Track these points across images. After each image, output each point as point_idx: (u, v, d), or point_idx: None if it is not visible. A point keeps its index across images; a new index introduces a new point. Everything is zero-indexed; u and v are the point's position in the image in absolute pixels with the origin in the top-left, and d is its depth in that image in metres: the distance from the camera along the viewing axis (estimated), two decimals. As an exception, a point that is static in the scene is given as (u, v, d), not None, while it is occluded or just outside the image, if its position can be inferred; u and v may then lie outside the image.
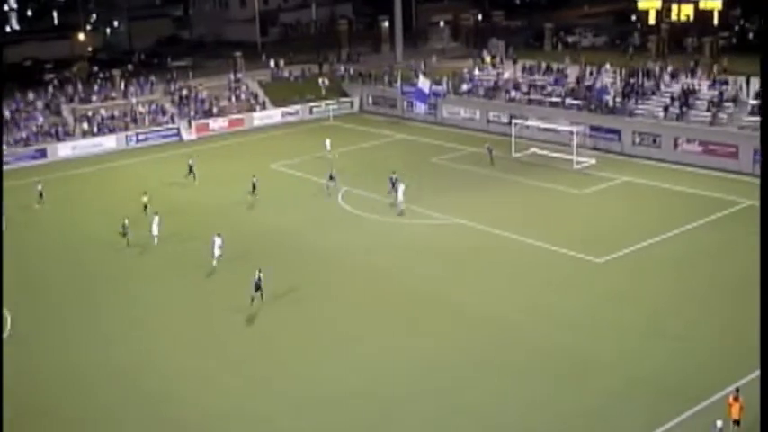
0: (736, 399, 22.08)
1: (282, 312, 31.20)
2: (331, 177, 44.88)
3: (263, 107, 67.50)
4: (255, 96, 68.41)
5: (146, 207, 42.14)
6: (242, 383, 26.20)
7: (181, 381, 26.51)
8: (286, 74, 73.70)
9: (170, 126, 62.86)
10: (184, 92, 66.30)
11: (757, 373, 23.82)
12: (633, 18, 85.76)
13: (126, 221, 38.97)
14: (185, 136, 62.53)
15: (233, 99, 67.36)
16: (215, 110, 65.42)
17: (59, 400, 25.88)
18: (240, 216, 42.97)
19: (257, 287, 31.03)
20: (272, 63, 74.93)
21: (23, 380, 26.63)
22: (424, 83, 59.62)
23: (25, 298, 33.19)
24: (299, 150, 55.04)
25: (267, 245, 38.42)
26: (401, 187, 41.46)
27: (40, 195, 45.86)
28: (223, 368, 27.23)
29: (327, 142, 53.26)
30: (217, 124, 64.33)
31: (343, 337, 29.04)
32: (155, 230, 38.42)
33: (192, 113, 64.28)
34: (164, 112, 64.02)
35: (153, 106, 64.02)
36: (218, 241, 35.35)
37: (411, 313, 30.60)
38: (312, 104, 68.15)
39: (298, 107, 67.74)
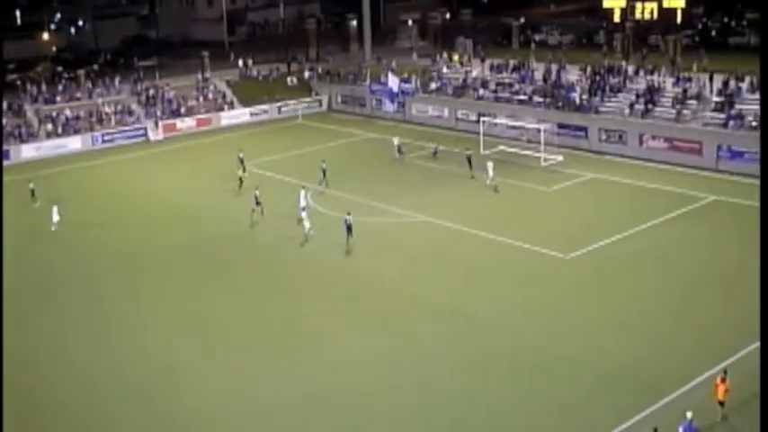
0: (723, 380, 22.52)
1: (253, 311, 31.15)
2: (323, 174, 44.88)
3: (232, 107, 67.20)
4: (223, 96, 68.09)
5: (241, 181, 45.47)
6: (221, 381, 26.27)
7: (169, 376, 26.61)
8: (254, 73, 73.47)
9: (137, 126, 62.35)
10: (151, 92, 65.78)
11: (722, 365, 24.35)
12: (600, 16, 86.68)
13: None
14: (152, 136, 62.06)
15: (201, 99, 66.98)
16: (182, 110, 65.00)
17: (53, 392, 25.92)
18: (208, 216, 42.75)
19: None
20: (240, 62, 74.66)
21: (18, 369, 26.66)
22: (392, 81, 59.73)
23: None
24: (268, 150, 54.86)
25: (235, 244, 38.30)
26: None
27: (32, 194, 45.23)
28: (205, 365, 27.33)
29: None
30: (184, 124, 63.92)
31: (315, 335, 29.00)
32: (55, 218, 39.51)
33: (159, 113, 63.81)
34: (130, 113, 63.48)
35: (119, 106, 63.46)
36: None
37: (379, 311, 30.67)
38: (280, 104, 68.00)
39: (266, 106, 67.53)
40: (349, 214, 37.03)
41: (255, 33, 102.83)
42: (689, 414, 21.18)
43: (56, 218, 40.49)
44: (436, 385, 25.32)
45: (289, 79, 71.80)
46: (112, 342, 29.15)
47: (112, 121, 62.09)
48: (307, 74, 72.98)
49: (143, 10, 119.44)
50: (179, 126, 63.53)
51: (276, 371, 26.67)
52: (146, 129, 62.31)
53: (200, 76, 69.71)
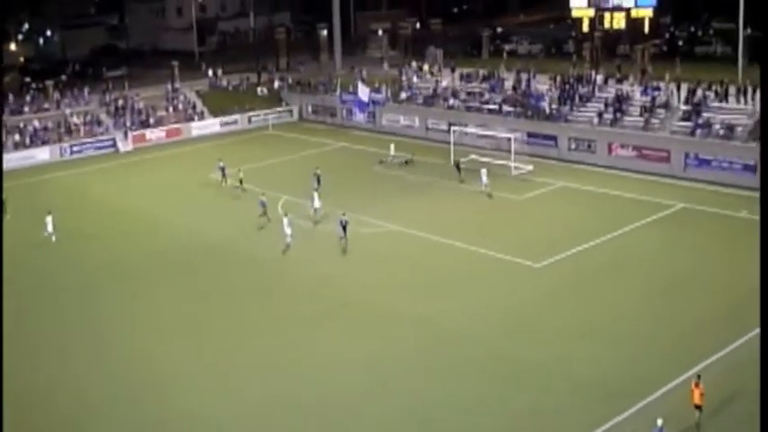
0: (697, 385, 22.71)
1: (229, 318, 30.96)
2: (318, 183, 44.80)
3: (202, 117, 66.81)
4: (194, 106, 67.68)
5: (241, 182, 46.47)
6: (207, 385, 26.35)
7: (156, 380, 26.72)
8: (224, 83, 73.14)
9: (106, 137, 61.75)
10: (120, 102, 65.23)
11: (693, 370, 24.53)
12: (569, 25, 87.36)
13: None
14: (122, 147, 61.49)
15: (170, 109, 66.50)
16: (152, 120, 64.50)
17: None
18: (178, 226, 42.38)
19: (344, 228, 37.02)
20: (210, 72, 74.28)
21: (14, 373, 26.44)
22: (363, 90, 59.77)
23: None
24: (239, 160, 54.43)
25: (206, 254, 38.06)
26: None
27: (2, 205, 44.48)
28: (191, 370, 27.32)
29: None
30: (154, 135, 63.41)
31: (291, 343, 28.83)
32: (49, 228, 39.35)
33: (129, 124, 63.27)
34: (99, 123, 62.88)
35: (88, 117, 62.82)
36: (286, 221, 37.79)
37: (354, 320, 30.57)
38: (251, 114, 67.72)
39: (236, 117, 67.22)
40: (344, 215, 37.78)
41: (226, 43, 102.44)
42: (659, 421, 21.30)
43: (50, 228, 39.80)
44: (410, 393, 25.24)
45: (259, 89, 71.56)
46: (87, 358, 28.75)
47: (81, 132, 61.45)
48: (277, 84, 72.82)
49: (112, 20, 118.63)
50: (148, 137, 63.01)
51: (252, 378, 26.51)
52: (115, 140, 61.72)
53: (169, 86, 69.23)
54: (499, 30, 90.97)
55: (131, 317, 31.91)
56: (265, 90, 71.54)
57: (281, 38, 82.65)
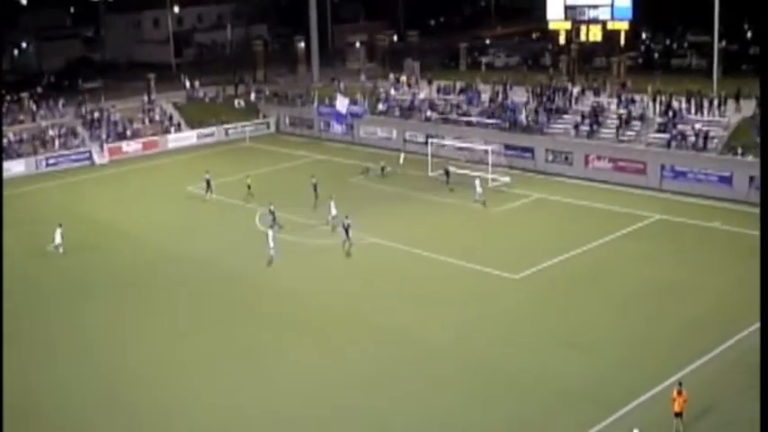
0: (679, 392, 22.80)
1: (200, 333, 30.61)
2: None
3: (179, 129, 66.42)
4: (170, 118, 67.27)
5: (249, 187, 47.52)
6: (180, 395, 26.17)
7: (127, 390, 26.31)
8: (201, 95, 72.81)
9: (82, 149, 61.21)
10: (96, 114, 64.72)
11: (672, 378, 24.56)
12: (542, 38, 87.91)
13: None
14: (98, 159, 60.97)
15: (147, 121, 66.06)
16: (128, 132, 64.03)
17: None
18: (156, 240, 42.01)
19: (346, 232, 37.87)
20: (187, 84, 73.93)
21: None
22: (341, 102, 59.72)
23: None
24: (217, 173, 54.08)
25: (183, 268, 37.73)
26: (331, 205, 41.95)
27: None
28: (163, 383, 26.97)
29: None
30: (131, 147, 62.93)
31: (259, 356, 28.60)
32: (58, 240, 39.47)
33: (105, 136, 62.76)
34: (75, 135, 62.32)
35: (63, 129, 62.24)
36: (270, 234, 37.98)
37: (331, 333, 30.38)
38: (228, 126, 67.43)
39: (213, 129, 66.91)
40: (347, 217, 38.71)
41: (203, 55, 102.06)
42: (635, 431, 21.33)
43: (58, 239, 39.78)
44: (391, 407, 25.10)
45: (236, 101, 71.29)
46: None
47: (56, 145, 60.86)
48: (254, 96, 72.61)
49: (88, 32, 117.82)
50: (125, 149, 62.53)
51: (223, 392, 26.25)
52: (91, 152, 61.19)
53: (146, 98, 68.79)
54: (488, 41, 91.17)
55: (113, 330, 31.56)
56: (242, 102, 71.30)
57: (258, 50, 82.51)
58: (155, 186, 53.33)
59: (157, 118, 66.80)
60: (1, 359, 24.32)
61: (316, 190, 46.04)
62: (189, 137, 65.98)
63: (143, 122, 65.66)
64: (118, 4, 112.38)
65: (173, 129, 66.06)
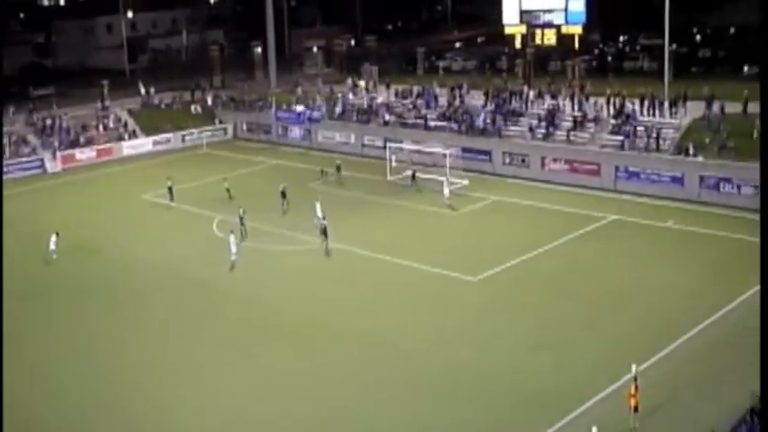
0: (637, 389, 23.22)
1: (160, 343, 30.25)
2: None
3: (134, 136, 65.60)
4: (125, 125, 66.42)
5: (228, 190, 47.71)
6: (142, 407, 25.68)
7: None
8: (157, 101, 72.03)
9: (33, 157, 60.13)
10: (48, 121, 63.67)
11: (631, 374, 24.61)
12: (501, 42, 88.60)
13: None
14: (50, 167, 59.95)
15: (101, 128, 65.11)
16: (82, 140, 63.07)
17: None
18: (116, 248, 41.43)
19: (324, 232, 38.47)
20: (142, 90, 73.08)
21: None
22: (299, 107, 59.70)
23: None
24: (172, 179, 53.60)
25: (145, 277, 37.29)
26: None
27: None
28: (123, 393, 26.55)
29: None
30: (84, 155, 61.97)
31: (225, 364, 28.37)
32: (52, 246, 39.42)
33: (57, 144, 61.74)
34: (26, 143, 61.19)
35: (13, 137, 61.08)
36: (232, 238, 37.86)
37: (291, 339, 30.24)
38: (184, 132, 66.80)
39: (169, 135, 66.18)
40: (324, 219, 39.14)
41: (158, 61, 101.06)
42: (594, 429, 21.56)
43: (52, 246, 39.47)
44: (356, 412, 25.06)
45: (192, 107, 70.64)
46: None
47: (6, 153, 59.67)
48: (211, 101, 72.04)
49: (39, 38, 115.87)
50: (78, 157, 61.57)
51: (191, 401, 26.04)
52: (43, 160, 60.14)
53: (99, 104, 67.87)
54: (432, 46, 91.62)
55: (77, 339, 31.12)
56: (199, 108, 70.66)
57: (214, 55, 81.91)
58: (111, 194, 52.57)
59: (112, 125, 65.91)
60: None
61: (285, 196, 45.71)
62: (144, 144, 65.20)
63: (97, 129, 64.73)
64: (70, 10, 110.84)
65: (127, 136, 65.23)
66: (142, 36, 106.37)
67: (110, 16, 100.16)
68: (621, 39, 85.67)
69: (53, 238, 39.82)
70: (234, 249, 37.54)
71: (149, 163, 61.11)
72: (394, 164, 52.21)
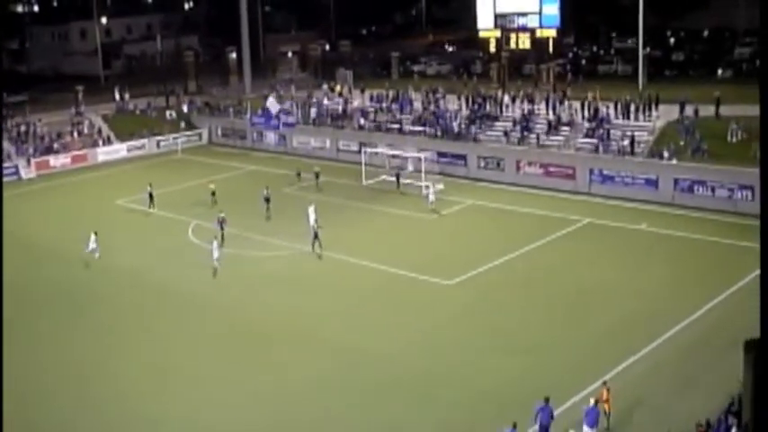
0: (608, 390, 23.38)
1: (133, 349, 30.03)
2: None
3: (108, 142, 65.15)
4: (99, 131, 65.95)
5: (213, 194, 47.42)
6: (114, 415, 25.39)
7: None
8: (131, 107, 71.58)
9: (7, 164, 59.45)
10: (22, 128, 63.07)
11: (605, 377, 24.90)
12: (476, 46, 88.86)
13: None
14: (24, 174, 59.33)
15: (75, 134, 64.62)
16: (56, 146, 62.52)
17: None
18: (90, 254, 41.08)
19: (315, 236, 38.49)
20: (116, 96, 72.59)
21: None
22: (273, 104, 59.44)
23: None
24: (146, 185, 53.30)
25: (118, 282, 36.99)
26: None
27: None
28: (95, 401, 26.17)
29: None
30: (58, 161, 61.43)
31: (196, 370, 28.16)
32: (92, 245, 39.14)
33: (31, 150, 61.17)
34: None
35: (-14, 144, 60.49)
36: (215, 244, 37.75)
37: (263, 344, 30.11)
38: (159, 138, 66.42)
39: (144, 141, 65.81)
40: (316, 221, 39.38)
41: (132, 66, 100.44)
42: (592, 400, 22.25)
43: (93, 245, 39.10)
44: (326, 417, 24.95)
45: (167, 113, 70.28)
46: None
47: (-21, 160, 59.08)
48: (186, 107, 71.71)
49: (12, 44, 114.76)
50: (53, 163, 61.02)
51: (166, 408, 25.77)
52: (17, 167, 59.51)
53: (74, 110, 67.31)
54: (407, 51, 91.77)
55: (61, 345, 30.70)
56: (174, 114, 70.31)
57: (189, 61, 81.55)
58: (86, 201, 52.13)
59: (86, 131, 65.43)
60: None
61: (268, 202, 45.54)
62: (119, 150, 64.74)
63: (71, 136, 64.23)
64: (44, 16, 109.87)
65: (102, 142, 64.78)
66: (116, 42, 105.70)
67: (84, 22, 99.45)
68: (595, 42, 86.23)
69: (92, 237, 39.38)
70: (216, 255, 37.32)
71: (124, 169, 60.68)
72: (384, 169, 52.25)
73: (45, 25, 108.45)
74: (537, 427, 22.66)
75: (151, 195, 48.01)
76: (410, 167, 51.88)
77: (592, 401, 22.27)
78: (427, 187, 46.96)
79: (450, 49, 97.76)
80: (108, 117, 68.49)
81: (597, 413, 22.45)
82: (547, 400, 22.62)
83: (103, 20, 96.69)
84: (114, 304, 34.73)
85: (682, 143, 47.18)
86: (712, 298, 31.88)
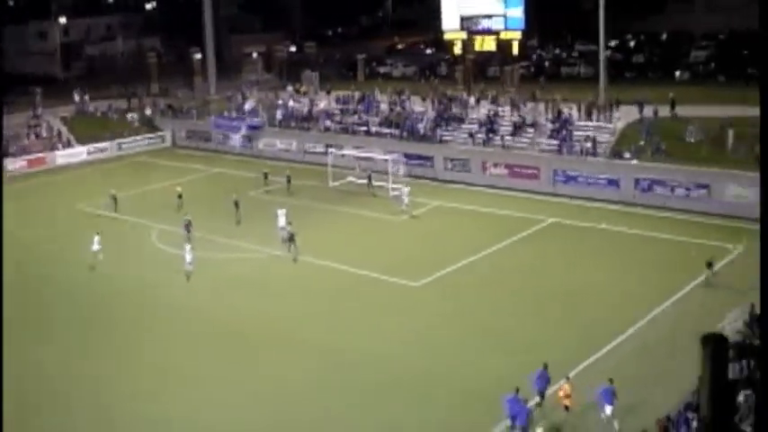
0: (571, 386, 23.66)
1: (100, 355, 29.63)
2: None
3: (68, 145, 64.18)
4: (59, 134, 64.94)
5: (180, 196, 46.51)
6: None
7: None
8: (92, 109, 70.61)
9: (-39, 168, 58.36)
10: (-23, 131, 61.93)
11: (571, 374, 25.08)
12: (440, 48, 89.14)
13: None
14: (-21, 178, 58.21)
15: (33, 137, 63.53)
16: (13, 149, 61.40)
17: None
18: (49, 260, 40.40)
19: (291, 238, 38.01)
20: (76, 98, 71.55)
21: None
22: (249, 104, 59.22)
23: None
24: (108, 189, 52.60)
25: (80, 288, 36.43)
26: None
27: None
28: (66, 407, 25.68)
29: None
30: (15, 165, 60.25)
31: (164, 376, 27.84)
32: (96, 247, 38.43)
33: (-13, 154, 60.10)
34: (-47, 153, 59.45)
35: (-58, 147, 59.29)
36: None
37: (234, 347, 29.86)
38: (121, 140, 65.59)
39: (105, 144, 64.91)
40: (290, 224, 38.89)
41: (93, 68, 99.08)
42: (539, 430, 21.99)
43: (96, 246, 38.29)
44: (301, 419, 24.85)
45: (129, 115, 69.44)
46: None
47: (-67, 163, 57.87)
48: (149, 109, 70.92)
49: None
50: (9, 167, 59.75)
51: (144, 412, 25.49)
52: (-28, 170, 58.40)
53: (32, 112, 66.19)
54: (373, 53, 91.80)
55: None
56: (136, 116, 69.49)
57: (151, 62, 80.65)
58: (45, 205, 51.28)
59: (44, 134, 64.35)
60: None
61: (237, 207, 45.08)
62: (79, 153, 63.81)
63: (28, 138, 63.13)
64: (0, 16, 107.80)
65: (61, 145, 63.80)
66: (76, 42, 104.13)
67: (42, 22, 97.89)
68: (558, 45, 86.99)
69: (96, 238, 38.60)
70: (189, 259, 36.91)
71: (85, 172, 59.83)
72: (352, 171, 52.17)
73: (2, 25, 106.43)
74: (536, 392, 24.04)
75: (115, 199, 47.36)
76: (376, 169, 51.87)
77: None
78: (397, 189, 46.96)
79: (423, 48, 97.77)
80: (68, 119, 67.49)
81: (612, 390, 22.95)
82: (545, 366, 23.85)
83: (62, 20, 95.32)
84: (83, 309, 34.18)
85: (642, 143, 47.78)
86: (672, 294, 32.35)
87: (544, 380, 24.22)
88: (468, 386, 26.25)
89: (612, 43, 75.41)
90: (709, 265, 33.67)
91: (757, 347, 23.26)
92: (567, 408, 23.64)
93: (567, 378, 24.24)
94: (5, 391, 23.52)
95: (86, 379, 28.09)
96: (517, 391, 23.08)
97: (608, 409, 23.12)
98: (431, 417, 24.74)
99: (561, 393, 23.94)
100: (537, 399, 24.25)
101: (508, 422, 22.97)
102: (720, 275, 33.86)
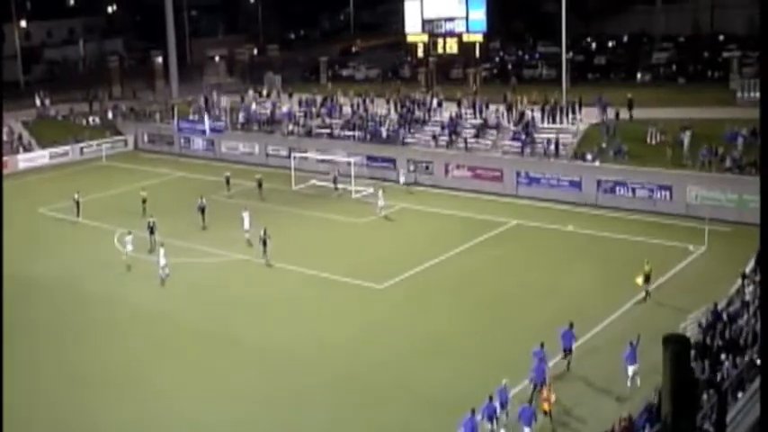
0: (550, 391, 23.87)
1: (61, 359, 29.28)
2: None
3: (29, 148, 63.33)
4: (19, 137, 64.06)
5: (144, 201, 46.33)
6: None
7: None
8: (53, 113, 69.73)
9: None
10: (-65, 135, 60.83)
11: (527, 380, 25.41)
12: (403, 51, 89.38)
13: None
14: (-62, 183, 57.19)
15: (-7, 141, 62.60)
16: (-28, 154, 60.51)
17: None
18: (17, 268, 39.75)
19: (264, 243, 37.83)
20: (37, 101, 70.63)
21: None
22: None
23: None
24: (70, 193, 52.02)
25: (43, 294, 36.02)
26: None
27: None
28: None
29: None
30: (-25, 169, 59.47)
31: (127, 379, 27.67)
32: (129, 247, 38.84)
33: (-55, 158, 59.04)
34: None
35: None
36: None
37: (192, 353, 29.77)
38: (83, 144, 64.88)
39: (67, 147, 64.19)
40: (264, 231, 38.46)
41: (54, 71, 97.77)
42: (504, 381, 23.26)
43: (130, 247, 38.77)
44: (255, 424, 24.83)
45: (91, 118, 68.71)
46: None
47: None
48: (110, 112, 70.22)
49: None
50: (-32, 171, 59.02)
51: (94, 416, 25.19)
52: (-72, 175, 57.37)
53: (-9, 117, 65.20)
54: (335, 56, 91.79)
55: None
56: (97, 119, 68.78)
57: (113, 65, 79.91)
58: (5, 209, 50.37)
59: (5, 138, 63.38)
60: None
61: (203, 212, 44.73)
62: (41, 156, 63.08)
63: (-12, 143, 62.19)
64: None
65: (22, 149, 62.95)
66: (36, 46, 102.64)
67: (1, 24, 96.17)
68: (520, 47, 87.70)
69: (128, 238, 38.72)
70: (163, 263, 36.60)
71: (47, 176, 59.08)
72: (314, 174, 52.18)
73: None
74: (562, 347, 26.61)
75: (78, 204, 46.78)
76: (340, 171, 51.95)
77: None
78: (357, 191, 47.03)
79: (386, 50, 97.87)
80: (28, 123, 66.60)
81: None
82: (571, 324, 26.16)
83: (23, 23, 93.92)
84: (47, 312, 33.78)
85: (604, 145, 48.37)
86: (636, 295, 32.74)
87: (569, 337, 26.75)
88: (416, 390, 26.31)
89: (574, 45, 76.21)
90: (647, 278, 32.33)
91: (718, 348, 23.77)
92: (545, 413, 23.68)
93: (545, 382, 24.39)
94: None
95: (40, 393, 27.78)
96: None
97: (630, 370, 25.19)
98: (384, 421, 24.82)
99: (542, 397, 24.07)
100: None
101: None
102: (681, 276, 34.42)
